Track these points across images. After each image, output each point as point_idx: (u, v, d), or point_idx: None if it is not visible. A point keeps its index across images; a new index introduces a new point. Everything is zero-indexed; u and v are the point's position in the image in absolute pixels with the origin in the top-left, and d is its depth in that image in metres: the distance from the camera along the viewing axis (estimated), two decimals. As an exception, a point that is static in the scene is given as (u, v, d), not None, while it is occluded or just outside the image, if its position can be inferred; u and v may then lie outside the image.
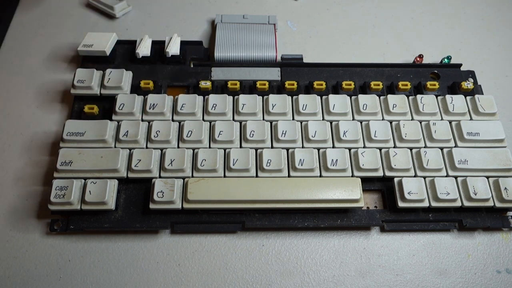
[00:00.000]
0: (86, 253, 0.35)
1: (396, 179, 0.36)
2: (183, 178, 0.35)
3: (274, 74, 0.43)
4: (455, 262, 0.36)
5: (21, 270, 0.34)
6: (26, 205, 0.37)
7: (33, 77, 0.44)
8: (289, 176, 0.36)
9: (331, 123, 0.39)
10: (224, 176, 0.36)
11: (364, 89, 0.42)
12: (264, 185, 0.34)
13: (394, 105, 0.39)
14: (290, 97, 0.40)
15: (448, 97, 0.40)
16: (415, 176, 0.37)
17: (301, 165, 0.36)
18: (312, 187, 0.34)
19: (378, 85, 0.41)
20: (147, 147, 0.37)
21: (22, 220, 0.36)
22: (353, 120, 0.39)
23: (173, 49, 0.42)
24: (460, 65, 0.45)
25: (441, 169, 0.36)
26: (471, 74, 0.44)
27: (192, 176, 0.35)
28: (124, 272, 0.34)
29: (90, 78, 0.40)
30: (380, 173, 0.36)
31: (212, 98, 0.39)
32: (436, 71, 0.44)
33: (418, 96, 0.40)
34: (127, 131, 0.37)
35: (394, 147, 0.38)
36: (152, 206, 0.34)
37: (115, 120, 0.38)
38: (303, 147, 0.37)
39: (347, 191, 0.34)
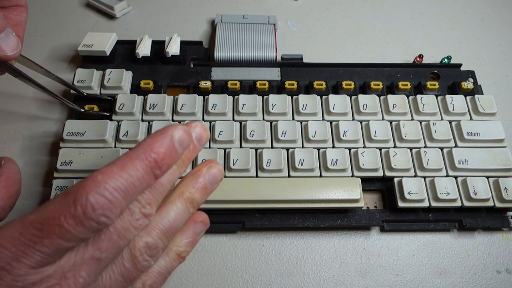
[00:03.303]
0: (86, 253, 0.35)
1: (396, 179, 0.36)
2: (183, 178, 0.35)
3: (274, 74, 0.43)
4: (455, 262, 0.36)
5: (21, 270, 0.34)
6: (26, 205, 0.37)
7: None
8: (289, 176, 0.36)
9: (331, 123, 0.39)
10: (224, 176, 0.35)
11: (364, 89, 0.42)
12: (264, 185, 0.34)
13: (394, 105, 0.39)
14: (290, 97, 0.40)
15: (448, 97, 0.40)
16: (415, 176, 0.37)
17: (301, 165, 0.36)
18: (312, 187, 0.34)
19: (378, 85, 0.41)
20: (147, 147, 0.37)
21: (22, 220, 0.36)
22: (353, 120, 0.39)
23: (173, 49, 0.42)
24: (460, 65, 0.45)
25: (441, 169, 0.36)
26: (471, 74, 0.44)
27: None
28: (124, 272, 0.34)
29: (90, 78, 0.40)
30: (380, 173, 0.36)
31: (212, 98, 0.39)
32: (436, 71, 0.44)
33: (418, 96, 0.40)
34: (127, 131, 0.37)
35: (394, 147, 0.38)
36: (152, 206, 0.34)
37: (115, 120, 0.38)
38: (303, 147, 0.37)
39: (347, 191, 0.34)
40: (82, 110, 0.38)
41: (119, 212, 0.22)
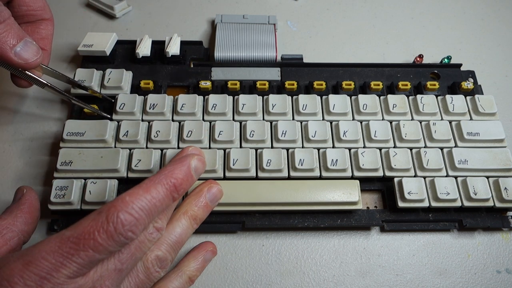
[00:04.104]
0: (86, 253, 0.35)
1: (396, 179, 0.36)
2: (183, 178, 0.35)
3: (274, 74, 0.43)
4: (455, 262, 0.36)
5: (21, 270, 0.34)
6: (26, 205, 0.37)
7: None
8: (289, 176, 0.36)
9: (331, 123, 0.39)
10: (224, 176, 0.36)
11: (364, 89, 0.42)
12: (263, 187, 0.34)
13: (394, 105, 0.39)
14: (290, 97, 0.40)
15: (448, 97, 0.40)
16: (415, 176, 0.37)
17: (301, 165, 0.36)
18: (311, 189, 0.34)
19: (378, 85, 0.41)
20: (147, 147, 0.37)
21: (22, 220, 0.36)
22: (353, 120, 0.39)
23: (173, 49, 0.42)
24: (460, 65, 0.45)
25: (441, 169, 0.36)
26: (471, 74, 0.44)
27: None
28: (124, 272, 0.34)
29: (90, 78, 0.40)
30: (380, 173, 0.36)
31: (212, 98, 0.39)
32: (436, 71, 0.44)
33: (418, 96, 0.40)
34: (127, 131, 0.37)
35: (394, 147, 0.38)
36: (152, 206, 0.34)
37: (115, 120, 0.38)
38: (303, 147, 0.37)
39: (346, 194, 0.34)
40: (109, 116, 0.38)
41: (143, 228, 0.25)
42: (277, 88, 0.42)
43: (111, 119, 0.38)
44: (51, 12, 0.37)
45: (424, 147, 0.38)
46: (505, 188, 0.35)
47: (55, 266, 0.22)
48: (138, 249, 0.26)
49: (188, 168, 0.29)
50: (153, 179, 0.27)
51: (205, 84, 0.40)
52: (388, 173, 0.36)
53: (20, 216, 0.29)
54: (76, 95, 0.40)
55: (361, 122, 0.39)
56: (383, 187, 0.37)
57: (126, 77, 0.40)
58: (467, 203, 0.35)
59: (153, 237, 0.27)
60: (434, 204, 0.35)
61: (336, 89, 0.42)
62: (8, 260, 0.23)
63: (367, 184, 0.37)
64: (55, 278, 0.22)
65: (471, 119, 0.39)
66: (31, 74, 0.34)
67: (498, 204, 0.35)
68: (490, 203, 0.35)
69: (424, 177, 0.36)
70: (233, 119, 0.39)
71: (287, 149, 0.37)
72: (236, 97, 0.40)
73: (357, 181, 0.35)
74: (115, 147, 0.37)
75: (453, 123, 0.39)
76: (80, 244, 0.23)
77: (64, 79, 0.38)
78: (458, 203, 0.35)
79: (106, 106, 0.40)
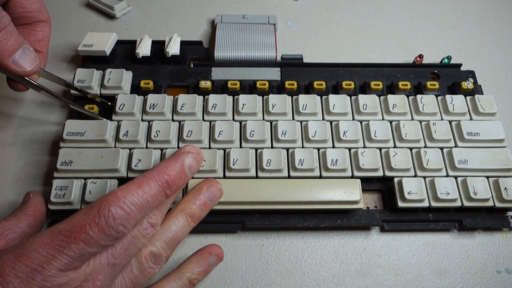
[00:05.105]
0: (86, 253, 0.35)
1: (396, 179, 0.36)
2: (183, 178, 0.35)
3: (274, 74, 0.43)
4: (455, 262, 0.36)
5: (21, 270, 0.34)
6: (26, 205, 0.37)
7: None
8: (289, 176, 0.36)
9: (331, 123, 0.39)
10: (224, 176, 0.36)
11: (364, 89, 0.42)
12: (263, 186, 0.34)
13: (394, 105, 0.39)
14: (290, 97, 0.40)
15: (448, 97, 0.40)
16: (415, 176, 0.37)
17: (301, 165, 0.36)
18: (311, 188, 0.34)
19: (378, 85, 0.41)
20: (147, 147, 0.37)
21: (22, 220, 0.36)
22: (353, 120, 0.39)
23: (173, 49, 0.42)
24: (460, 65, 0.45)
25: (441, 169, 0.36)
26: (471, 74, 0.44)
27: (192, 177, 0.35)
28: (124, 272, 0.34)
29: (90, 78, 0.40)
30: (380, 173, 0.36)
31: (212, 98, 0.39)
32: (436, 71, 0.44)
33: (418, 96, 0.40)
34: (127, 131, 0.37)
35: (394, 147, 0.38)
36: (152, 206, 0.34)
37: (115, 120, 0.38)
38: (303, 147, 0.37)
39: (347, 193, 0.34)
40: (108, 120, 0.38)
41: (135, 223, 0.25)
42: (277, 88, 0.42)
43: (110, 120, 0.38)
44: (48, 13, 0.36)
45: (424, 147, 0.38)
46: (505, 188, 0.35)
47: (46, 258, 0.22)
48: (131, 244, 0.26)
49: (181, 165, 0.29)
50: (146, 175, 0.27)
51: (205, 84, 0.40)
52: (388, 173, 0.36)
53: (24, 219, 0.29)
54: (74, 96, 0.40)
55: (361, 122, 0.39)
56: (383, 187, 0.37)
57: (126, 77, 0.40)
58: (467, 203, 0.35)
59: (147, 232, 0.27)
60: (434, 204, 0.35)
61: (336, 89, 0.42)
62: (1, 253, 0.23)
63: (367, 184, 0.37)
64: (46, 270, 0.22)
65: (471, 119, 0.39)
66: (27, 78, 0.34)
67: (498, 204, 0.35)
68: (490, 203, 0.35)
69: (424, 177, 0.36)
70: (233, 119, 0.39)
71: (287, 149, 0.37)
72: (236, 97, 0.40)
73: (358, 180, 0.35)
74: (115, 147, 0.37)
75: (453, 123, 0.39)
76: (72, 237, 0.23)
77: (61, 82, 0.38)
78: (458, 203, 0.35)
79: (106, 106, 0.40)
